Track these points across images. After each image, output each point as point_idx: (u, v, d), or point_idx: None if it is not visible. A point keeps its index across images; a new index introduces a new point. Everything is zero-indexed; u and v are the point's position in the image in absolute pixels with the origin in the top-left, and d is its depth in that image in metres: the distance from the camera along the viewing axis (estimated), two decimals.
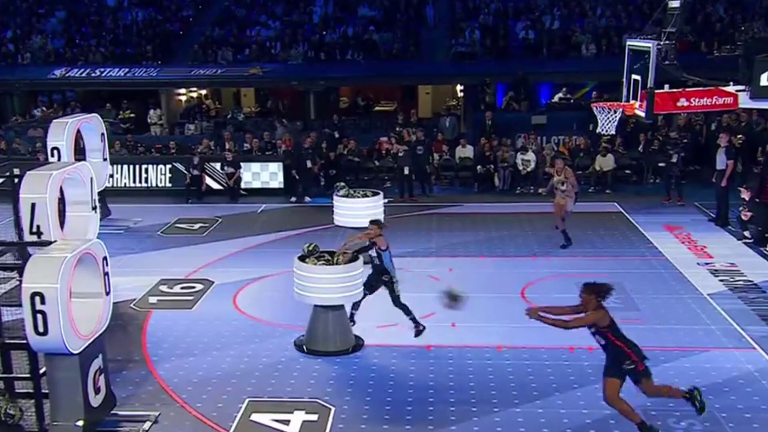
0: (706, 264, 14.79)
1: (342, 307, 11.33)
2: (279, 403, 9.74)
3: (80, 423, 8.76)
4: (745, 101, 12.33)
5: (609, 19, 29.43)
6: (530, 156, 21.02)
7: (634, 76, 12.79)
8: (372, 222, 11.93)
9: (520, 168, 21.01)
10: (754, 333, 11.54)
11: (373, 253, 11.61)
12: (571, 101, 26.44)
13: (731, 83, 12.37)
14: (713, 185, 17.52)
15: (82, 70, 27.17)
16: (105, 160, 18.70)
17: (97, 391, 9.09)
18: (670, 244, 16.10)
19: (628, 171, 21.83)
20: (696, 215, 18.24)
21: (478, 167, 21.41)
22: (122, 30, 30.59)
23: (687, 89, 12.48)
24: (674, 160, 19.16)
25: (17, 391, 9.25)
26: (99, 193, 18.19)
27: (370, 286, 11.65)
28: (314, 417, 9.38)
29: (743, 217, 16.09)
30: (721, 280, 13.88)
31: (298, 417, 9.38)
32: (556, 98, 27.20)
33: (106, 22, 31.02)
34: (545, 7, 30.53)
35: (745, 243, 15.94)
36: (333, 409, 9.56)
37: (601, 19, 29.71)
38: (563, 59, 27.56)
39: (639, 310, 12.63)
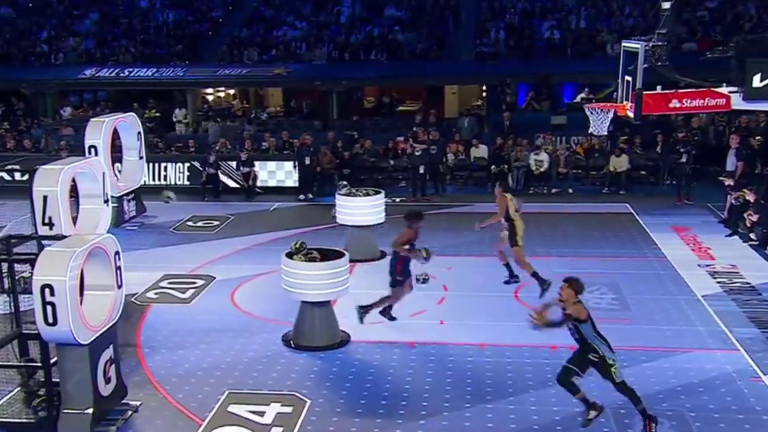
0: (707, 266, 14.73)
1: (328, 303, 11.57)
2: (257, 395, 10.02)
3: (90, 411, 9.12)
4: (738, 103, 12.25)
5: (636, 19, 29.23)
6: (543, 156, 21.06)
7: (627, 77, 12.81)
8: (566, 282, 8.95)
9: (533, 168, 21.04)
10: (740, 335, 11.52)
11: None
12: (593, 101, 26.26)
13: (724, 84, 12.32)
14: (724, 186, 17.45)
15: (111, 70, 27.84)
16: (141, 158, 19.39)
17: (107, 380, 9.46)
18: (675, 245, 16.04)
19: (643, 172, 21.68)
20: (706, 216, 18.13)
21: (492, 167, 21.49)
22: (153, 31, 31.27)
23: (679, 90, 12.46)
24: (683, 159, 19.05)
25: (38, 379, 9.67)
26: (134, 191, 18.97)
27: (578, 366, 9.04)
28: (289, 409, 9.62)
29: (748, 222, 16.01)
30: (719, 282, 13.84)
31: (273, 409, 9.64)
32: (578, 98, 27.07)
33: (137, 23, 31.72)
34: (572, 6, 30.46)
35: (750, 245, 15.84)
36: (308, 402, 9.81)
37: (628, 19, 29.54)
38: (587, 59, 27.48)
39: (629, 310, 12.69)
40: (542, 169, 21.01)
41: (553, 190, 21.00)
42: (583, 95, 27.16)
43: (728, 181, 16.65)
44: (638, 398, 8.86)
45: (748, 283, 13.74)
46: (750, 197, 16.02)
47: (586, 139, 22.94)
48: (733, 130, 21.52)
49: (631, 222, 17.87)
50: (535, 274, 13.25)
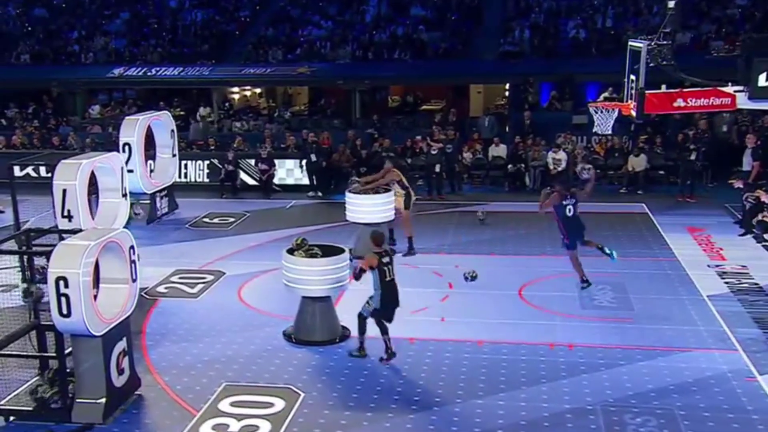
0: (717, 266, 14.63)
1: (329, 298, 11.73)
2: (252, 388, 10.21)
3: (102, 401, 9.39)
4: (743, 102, 12.16)
5: (663, 18, 28.90)
6: (561, 155, 20.99)
7: (632, 76, 12.78)
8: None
9: (551, 167, 20.99)
10: (741, 335, 11.46)
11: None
12: (615, 101, 26.05)
13: (729, 84, 12.23)
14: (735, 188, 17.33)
15: (138, 69, 28.25)
16: (174, 155, 19.78)
17: (120, 372, 9.74)
18: (687, 245, 15.94)
19: (662, 172, 21.51)
20: (723, 217, 17.95)
21: (509, 166, 21.49)
22: (181, 30, 31.69)
23: (684, 89, 12.41)
24: (692, 157, 18.98)
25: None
26: (167, 188, 19.36)
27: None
28: (282, 402, 9.80)
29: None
30: (726, 283, 13.75)
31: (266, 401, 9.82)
32: (601, 98, 26.85)
33: (165, 22, 32.19)
34: (599, 5, 30.26)
35: (764, 246, 15.68)
36: (302, 395, 9.98)
37: (656, 18, 29.25)
38: (611, 58, 27.23)
39: (632, 309, 12.67)
40: (559, 168, 20.92)
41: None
42: (606, 94, 26.89)
43: (738, 183, 16.50)
44: (364, 330, 10.97)
45: (756, 284, 13.63)
46: (765, 198, 15.85)
47: (606, 138, 22.81)
48: (755, 130, 21.28)
49: (645, 222, 17.77)
50: (410, 239, 15.63)
